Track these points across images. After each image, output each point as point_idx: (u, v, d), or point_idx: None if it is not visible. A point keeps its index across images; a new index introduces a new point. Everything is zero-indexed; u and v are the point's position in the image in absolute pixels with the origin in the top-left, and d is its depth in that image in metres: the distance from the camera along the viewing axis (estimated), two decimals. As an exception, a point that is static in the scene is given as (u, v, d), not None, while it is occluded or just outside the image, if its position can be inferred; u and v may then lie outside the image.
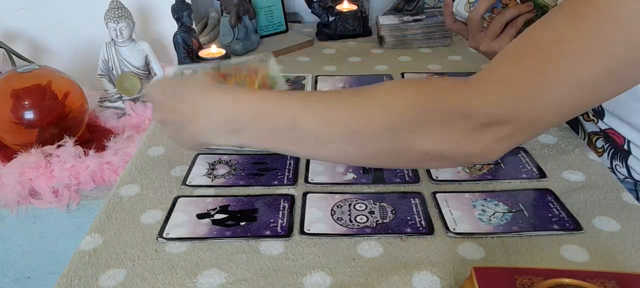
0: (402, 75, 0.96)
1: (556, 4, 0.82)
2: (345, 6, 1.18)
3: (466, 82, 0.47)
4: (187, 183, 0.65)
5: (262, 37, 1.14)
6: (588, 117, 0.76)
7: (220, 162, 0.69)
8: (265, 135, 0.53)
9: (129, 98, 1.20)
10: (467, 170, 0.66)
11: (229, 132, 0.53)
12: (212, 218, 0.59)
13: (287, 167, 0.67)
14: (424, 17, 1.16)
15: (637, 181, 0.71)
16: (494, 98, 0.45)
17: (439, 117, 0.46)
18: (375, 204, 0.60)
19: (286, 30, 1.20)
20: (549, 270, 0.44)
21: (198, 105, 0.54)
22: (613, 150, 0.73)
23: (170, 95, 0.56)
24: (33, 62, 1.18)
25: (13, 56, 1.20)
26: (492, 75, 0.47)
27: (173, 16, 0.92)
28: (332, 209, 0.60)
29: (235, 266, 0.52)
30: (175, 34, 0.92)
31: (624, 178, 0.72)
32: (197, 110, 0.54)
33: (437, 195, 0.62)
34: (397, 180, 0.65)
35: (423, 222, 0.57)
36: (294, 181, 0.65)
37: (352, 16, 1.17)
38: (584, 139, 0.78)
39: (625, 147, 0.70)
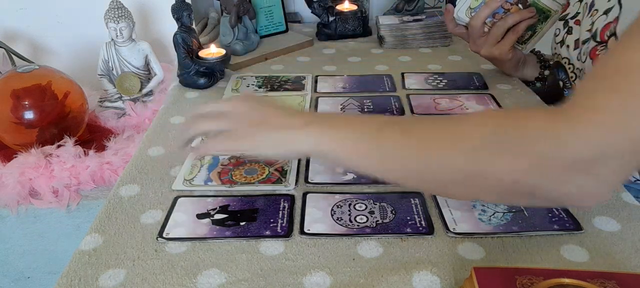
0: (402, 75, 0.96)
1: (558, 11, 0.82)
2: (345, 6, 1.18)
3: (556, 115, 0.43)
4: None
5: (262, 37, 1.14)
6: None
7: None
8: (347, 140, 0.51)
9: (129, 98, 1.20)
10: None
11: (317, 125, 0.52)
12: (212, 218, 0.59)
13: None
14: (424, 17, 1.16)
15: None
16: (588, 133, 0.40)
17: (522, 147, 0.42)
18: (375, 204, 0.60)
19: (286, 30, 1.20)
20: (549, 270, 0.44)
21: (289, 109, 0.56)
22: None
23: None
24: (33, 62, 1.18)
25: (13, 56, 1.20)
26: (584, 107, 0.42)
27: (173, 16, 0.92)
28: (332, 209, 0.60)
29: (235, 266, 0.52)
30: (175, 34, 0.92)
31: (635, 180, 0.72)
32: (285, 110, 0.55)
33: (437, 195, 0.62)
34: (397, 180, 0.65)
35: (423, 222, 0.57)
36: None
37: (352, 16, 1.17)
38: None
39: None
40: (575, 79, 0.78)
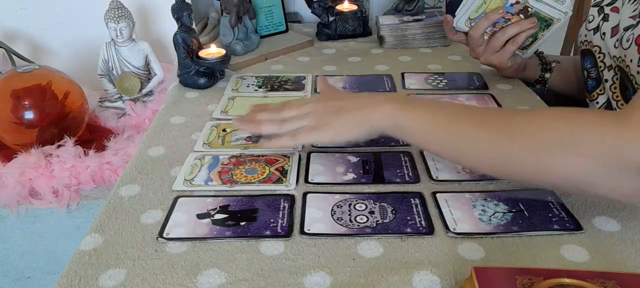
0: (402, 75, 0.96)
1: (561, 19, 0.81)
2: (345, 6, 1.18)
3: (622, 120, 0.47)
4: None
5: (262, 37, 1.14)
6: None
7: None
8: (421, 121, 0.57)
9: (129, 98, 1.20)
10: (467, 170, 0.66)
11: (396, 101, 0.59)
12: (212, 218, 0.59)
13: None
14: (424, 17, 1.16)
15: None
16: None
17: (589, 149, 0.47)
18: (376, 204, 0.60)
19: (286, 30, 1.20)
20: (549, 270, 0.44)
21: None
22: None
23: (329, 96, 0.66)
24: (33, 62, 1.18)
25: (13, 56, 1.20)
26: None
27: (173, 16, 0.92)
28: (332, 209, 0.60)
29: (235, 266, 0.52)
30: (175, 34, 0.92)
31: None
32: (357, 95, 0.65)
33: (437, 195, 0.62)
34: (397, 180, 0.65)
35: (423, 222, 0.57)
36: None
37: (352, 16, 1.17)
38: None
39: None
40: (603, 69, 0.76)
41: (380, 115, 0.59)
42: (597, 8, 0.80)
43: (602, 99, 0.79)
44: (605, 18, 0.77)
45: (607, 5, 0.77)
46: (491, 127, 0.54)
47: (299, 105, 0.64)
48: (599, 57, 0.78)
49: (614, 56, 0.74)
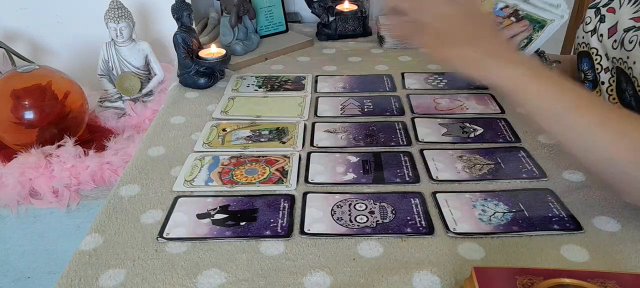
0: (402, 75, 0.96)
1: (554, 19, 0.80)
2: (345, 6, 1.18)
3: None
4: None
5: (262, 37, 1.14)
6: None
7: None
8: (545, 95, 0.55)
9: (129, 98, 1.20)
10: (467, 170, 0.66)
11: (516, 65, 0.56)
12: (212, 218, 0.59)
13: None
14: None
15: None
16: None
17: None
18: (376, 204, 0.60)
19: (286, 30, 1.20)
20: (549, 270, 0.44)
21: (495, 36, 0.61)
22: None
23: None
24: (33, 62, 1.18)
25: (13, 56, 1.20)
26: None
27: (173, 16, 0.92)
28: (332, 209, 0.60)
29: (235, 266, 0.52)
30: (175, 34, 0.92)
31: None
32: (492, 39, 0.60)
33: (437, 195, 0.62)
34: (397, 180, 0.65)
35: (423, 222, 0.57)
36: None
37: (352, 16, 1.17)
38: None
39: None
40: (600, 71, 0.76)
41: (506, 75, 0.56)
42: (593, 10, 0.79)
43: None
44: (602, 19, 0.77)
45: (603, 5, 0.78)
46: (614, 130, 0.53)
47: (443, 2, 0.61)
48: (596, 59, 0.78)
49: (613, 57, 0.74)
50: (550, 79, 0.57)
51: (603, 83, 0.76)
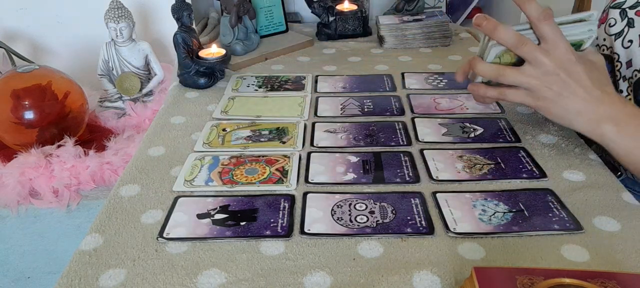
0: (402, 75, 0.96)
1: (590, 38, 0.68)
2: (345, 6, 1.18)
3: None
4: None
5: (262, 37, 1.14)
6: None
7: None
8: (631, 136, 0.60)
9: (129, 98, 1.20)
10: (468, 170, 0.66)
11: (600, 124, 0.61)
12: (212, 218, 0.59)
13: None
14: (423, 17, 1.16)
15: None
16: None
17: None
18: (376, 204, 0.60)
19: (286, 30, 1.20)
20: (549, 270, 0.44)
21: (586, 87, 0.61)
22: None
23: (559, 62, 0.61)
24: (33, 62, 1.18)
25: (13, 56, 1.20)
26: None
27: (173, 16, 0.92)
28: (332, 209, 0.60)
29: (235, 266, 0.52)
30: (175, 34, 0.92)
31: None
32: (583, 93, 0.61)
33: (438, 195, 0.62)
34: (398, 180, 0.65)
35: (423, 222, 0.57)
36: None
37: (352, 16, 1.17)
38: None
39: None
40: (619, 78, 0.74)
41: (595, 132, 0.62)
42: (618, 10, 0.74)
43: None
44: (630, 23, 0.72)
45: (631, 8, 0.72)
46: None
47: (541, 53, 0.61)
48: (617, 66, 0.74)
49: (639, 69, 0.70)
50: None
51: (621, 91, 0.74)
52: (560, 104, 0.62)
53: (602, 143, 0.62)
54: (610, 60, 0.75)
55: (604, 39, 0.77)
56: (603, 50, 0.77)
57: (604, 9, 0.78)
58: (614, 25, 0.75)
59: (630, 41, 0.72)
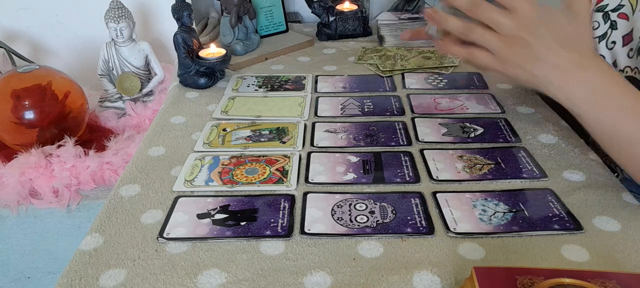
0: (402, 75, 0.96)
1: None
2: (345, 6, 1.18)
3: None
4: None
5: (263, 37, 1.14)
6: None
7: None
8: (605, 107, 0.56)
9: (129, 98, 1.20)
10: (468, 170, 0.66)
11: (572, 91, 0.56)
12: (212, 218, 0.59)
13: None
14: (423, 16, 1.16)
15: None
16: None
17: None
18: (376, 204, 0.60)
19: (286, 30, 1.20)
20: (549, 270, 0.44)
21: (582, 59, 0.57)
22: None
23: (545, 21, 0.56)
24: (33, 62, 1.18)
25: (13, 56, 1.20)
26: None
27: (173, 16, 0.92)
28: (332, 209, 0.60)
29: (235, 266, 0.52)
30: (175, 34, 0.92)
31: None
32: (580, 64, 0.56)
33: (438, 195, 0.62)
34: (398, 180, 0.65)
35: (423, 222, 0.57)
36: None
37: (352, 16, 1.17)
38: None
39: None
40: None
41: (568, 101, 0.57)
42: (601, 13, 0.75)
43: None
44: (613, 26, 0.73)
45: (613, 10, 0.73)
46: None
47: (498, 12, 0.57)
48: None
49: (627, 66, 0.71)
50: (617, 89, 0.56)
51: None
52: (528, 69, 0.58)
53: (574, 112, 0.59)
54: None
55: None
56: None
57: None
58: (598, 28, 0.75)
59: (614, 42, 0.72)
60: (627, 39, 0.71)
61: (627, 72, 0.71)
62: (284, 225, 0.57)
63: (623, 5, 0.72)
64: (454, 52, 0.63)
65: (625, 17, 0.72)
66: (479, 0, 0.58)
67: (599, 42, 0.74)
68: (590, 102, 0.57)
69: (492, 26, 0.58)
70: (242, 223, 0.58)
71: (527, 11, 0.56)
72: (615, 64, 0.72)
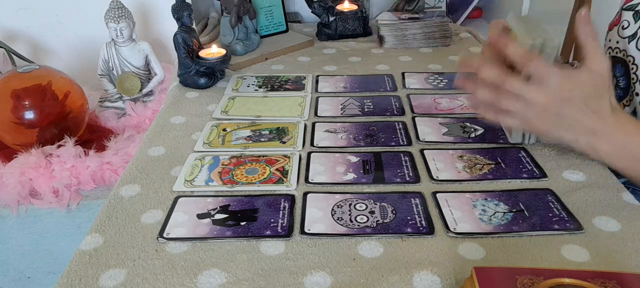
0: (403, 75, 0.96)
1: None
2: (345, 6, 1.18)
3: None
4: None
5: (262, 37, 1.14)
6: None
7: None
8: (629, 154, 0.60)
9: (129, 98, 1.20)
10: (468, 170, 0.66)
11: (629, 161, 0.60)
12: (212, 218, 0.59)
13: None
14: (423, 16, 1.16)
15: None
16: None
17: None
18: (376, 204, 0.60)
19: (286, 30, 1.20)
20: (549, 270, 0.44)
21: (604, 122, 0.59)
22: None
23: (570, 91, 0.58)
24: (33, 62, 1.18)
25: (13, 56, 1.20)
26: None
27: (173, 16, 0.92)
28: (332, 209, 0.60)
29: (235, 266, 0.52)
30: (175, 34, 0.92)
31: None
32: (603, 128, 0.59)
33: (438, 195, 0.62)
34: (398, 180, 0.65)
35: (423, 222, 0.57)
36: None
37: (352, 16, 1.17)
38: None
39: None
40: (636, 81, 0.72)
41: (592, 154, 0.61)
42: (631, 12, 0.73)
43: (627, 110, 0.75)
44: None
45: None
46: None
47: (527, 88, 0.58)
48: (632, 68, 0.73)
49: None
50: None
51: (638, 94, 0.72)
52: (556, 134, 0.61)
53: (600, 161, 0.64)
54: (624, 63, 0.74)
55: (617, 42, 0.75)
56: (616, 53, 0.76)
57: (617, 11, 0.77)
58: (628, 27, 0.73)
59: None
60: None
61: None
62: (284, 225, 0.57)
63: None
64: (484, 115, 0.65)
65: None
66: (506, 77, 0.59)
67: (629, 42, 0.73)
68: (621, 159, 0.61)
69: (522, 101, 0.59)
70: (242, 223, 0.58)
71: (558, 87, 0.58)
72: None
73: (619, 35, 0.75)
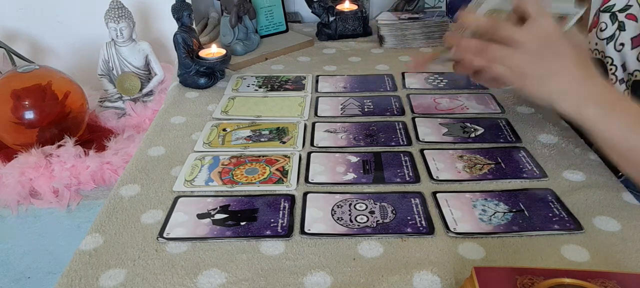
0: (403, 75, 0.96)
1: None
2: (345, 6, 1.18)
3: None
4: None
5: (263, 36, 1.14)
6: None
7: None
8: (615, 120, 0.57)
9: (129, 98, 1.20)
10: (468, 170, 0.66)
11: (585, 105, 0.58)
12: (212, 218, 0.59)
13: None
14: (423, 16, 1.16)
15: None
16: None
17: None
18: (376, 204, 0.60)
19: (286, 30, 1.20)
20: (549, 270, 0.44)
21: (571, 68, 0.58)
22: None
23: (545, 39, 0.58)
24: (33, 62, 1.18)
25: (13, 56, 1.20)
26: None
27: (173, 16, 0.92)
28: (332, 209, 0.60)
29: (235, 266, 0.52)
30: (175, 34, 0.92)
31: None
32: (568, 73, 0.58)
33: (438, 195, 0.62)
34: (398, 180, 0.65)
35: (423, 222, 0.57)
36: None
37: (352, 16, 1.17)
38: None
39: None
40: (615, 82, 0.72)
41: (578, 114, 0.59)
42: (608, 14, 0.74)
43: None
44: (621, 27, 0.72)
45: (620, 11, 0.72)
46: None
47: (519, 33, 0.59)
48: (610, 69, 0.73)
49: (636, 70, 0.70)
50: (620, 108, 0.58)
51: None
52: (545, 84, 0.59)
53: (585, 126, 0.60)
54: (602, 64, 0.75)
55: (596, 44, 0.76)
56: (595, 54, 0.77)
57: (595, 13, 0.78)
58: (606, 29, 0.74)
59: (622, 44, 0.71)
60: (636, 41, 0.70)
61: (636, 75, 0.70)
62: (284, 225, 0.57)
63: (631, 6, 0.71)
64: (472, 58, 0.64)
65: (633, 18, 0.71)
66: (498, 23, 0.60)
67: (607, 43, 0.74)
68: (600, 116, 0.58)
69: (512, 45, 0.59)
70: (242, 223, 0.58)
71: (546, 27, 0.58)
72: (624, 66, 0.72)
73: (597, 37, 0.76)
